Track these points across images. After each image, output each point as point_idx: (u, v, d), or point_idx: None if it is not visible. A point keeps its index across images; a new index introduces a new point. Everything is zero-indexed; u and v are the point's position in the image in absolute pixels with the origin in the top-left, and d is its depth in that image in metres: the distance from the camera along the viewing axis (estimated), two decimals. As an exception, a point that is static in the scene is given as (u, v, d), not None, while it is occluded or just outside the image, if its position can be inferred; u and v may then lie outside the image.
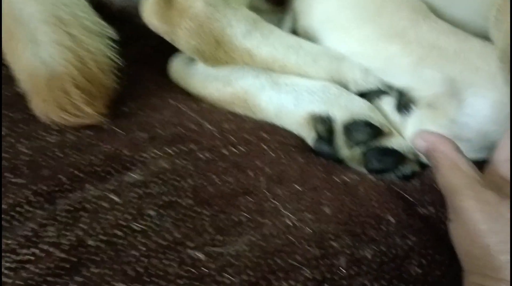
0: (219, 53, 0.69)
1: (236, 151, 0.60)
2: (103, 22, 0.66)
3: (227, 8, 0.69)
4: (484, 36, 0.63)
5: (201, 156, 0.58)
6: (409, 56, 0.63)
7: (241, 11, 0.70)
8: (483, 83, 0.58)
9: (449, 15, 0.68)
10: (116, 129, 0.60)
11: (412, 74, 0.62)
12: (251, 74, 0.70)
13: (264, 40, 0.70)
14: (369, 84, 0.68)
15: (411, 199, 0.55)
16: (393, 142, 0.62)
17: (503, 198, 0.46)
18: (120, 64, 0.65)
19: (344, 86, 0.69)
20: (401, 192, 0.55)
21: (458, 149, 0.50)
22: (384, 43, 0.66)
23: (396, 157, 0.60)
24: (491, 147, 0.58)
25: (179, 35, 0.68)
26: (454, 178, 0.48)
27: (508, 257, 0.44)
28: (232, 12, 0.69)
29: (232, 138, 0.62)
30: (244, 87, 0.69)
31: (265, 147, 0.62)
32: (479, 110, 0.57)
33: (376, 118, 0.63)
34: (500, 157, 0.53)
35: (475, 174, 0.48)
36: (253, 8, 0.87)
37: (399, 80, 0.64)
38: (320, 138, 0.64)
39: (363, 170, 0.62)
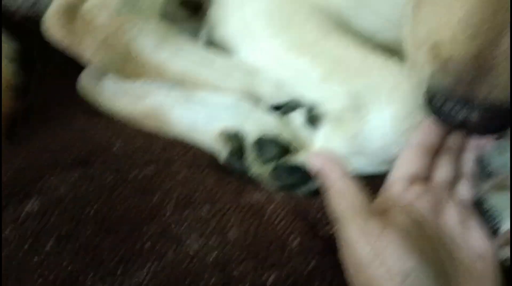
0: (128, 67, 0.67)
1: (144, 172, 0.59)
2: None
3: (136, 19, 0.67)
4: (392, 46, 0.65)
5: (106, 180, 0.56)
6: (316, 69, 0.63)
7: (152, 23, 0.69)
8: (383, 99, 0.59)
9: (359, 26, 0.69)
10: (16, 152, 0.58)
11: (319, 88, 0.63)
12: (162, 89, 0.68)
13: (175, 54, 0.69)
14: (282, 97, 0.68)
15: (314, 220, 0.55)
16: (302, 158, 0.62)
17: (386, 226, 0.47)
18: (21, 79, 0.62)
19: (257, 99, 0.69)
20: (305, 212, 0.56)
21: (347, 173, 0.51)
22: (294, 55, 0.66)
23: (304, 173, 0.61)
24: (392, 161, 0.59)
25: (84, 48, 0.65)
26: (340, 205, 0.49)
27: None
28: (142, 23, 0.67)
29: (141, 158, 0.61)
30: (155, 103, 0.68)
31: (175, 168, 0.61)
32: (379, 125, 0.59)
33: (285, 135, 0.63)
34: (395, 176, 0.54)
35: (361, 201, 0.49)
36: (169, 16, 0.85)
37: (309, 94, 0.65)
38: (232, 154, 0.64)
39: (274, 186, 0.62)
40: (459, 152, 0.55)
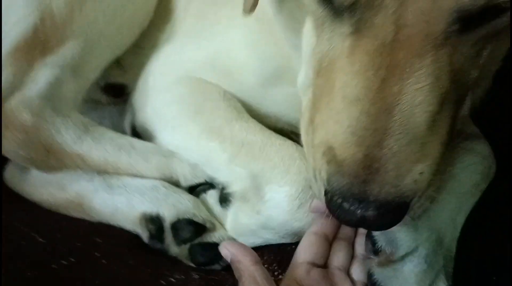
0: (50, 160, 0.72)
1: (66, 263, 0.63)
2: None
3: (55, 116, 0.71)
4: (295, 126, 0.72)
5: (27, 274, 0.60)
6: (224, 152, 0.70)
7: (71, 118, 0.73)
8: (278, 179, 0.66)
9: (264, 111, 0.77)
10: None
11: (227, 169, 0.69)
12: (84, 177, 0.73)
13: (96, 144, 0.74)
14: (197, 178, 0.74)
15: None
16: (216, 236, 0.68)
17: None
18: None
19: (175, 181, 0.74)
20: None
21: (256, 262, 0.58)
22: (204, 140, 0.72)
23: (218, 250, 0.66)
24: (296, 233, 0.66)
25: (6, 147, 0.69)
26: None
27: None
28: (61, 120, 0.72)
29: (64, 248, 0.65)
30: (78, 191, 0.72)
31: (97, 254, 0.65)
32: (277, 203, 0.65)
33: (200, 215, 0.69)
34: (297, 261, 0.61)
35: (267, 284, 0.55)
36: (93, 101, 0.91)
37: (219, 175, 0.71)
38: (152, 237, 0.69)
39: (192, 264, 0.67)
40: (352, 238, 0.63)
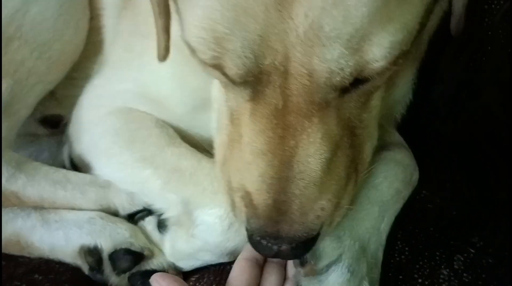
0: (-16, 200, 0.72)
1: (4, 304, 0.63)
2: None
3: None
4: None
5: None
6: (158, 179, 0.72)
7: (4, 156, 0.74)
8: (208, 202, 0.68)
9: (197, 135, 0.79)
10: None
11: (161, 196, 0.71)
12: (20, 215, 0.74)
13: (30, 181, 0.75)
14: (135, 206, 0.76)
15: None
16: (154, 263, 0.70)
17: None
18: None
19: (114, 211, 0.76)
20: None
21: None
22: (138, 168, 0.74)
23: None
24: (231, 252, 0.68)
25: None
26: None
27: None
28: (-7, 159, 0.72)
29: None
30: (15, 230, 0.73)
31: (37, 290, 0.66)
32: (209, 226, 0.67)
33: (137, 243, 0.70)
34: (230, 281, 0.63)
35: None
36: (30, 134, 0.91)
37: (155, 202, 0.73)
38: (91, 269, 0.70)
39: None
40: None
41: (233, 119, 0.58)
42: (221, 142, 0.61)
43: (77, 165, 0.83)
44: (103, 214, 0.74)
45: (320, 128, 0.52)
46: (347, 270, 0.60)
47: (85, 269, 0.70)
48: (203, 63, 0.53)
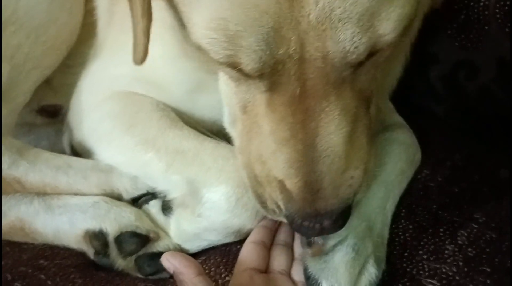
0: (-14, 187, 0.71)
1: (12, 289, 0.63)
2: None
3: (-12, 142, 0.71)
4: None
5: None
6: (160, 162, 0.71)
7: (4, 143, 0.73)
8: (213, 180, 0.68)
9: (198, 116, 0.79)
10: None
11: (164, 178, 0.71)
12: (23, 201, 0.73)
13: (32, 167, 0.74)
14: (139, 190, 0.75)
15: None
16: (160, 245, 0.69)
17: None
18: None
19: (117, 195, 0.75)
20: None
21: (199, 273, 0.59)
22: (140, 152, 0.73)
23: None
24: (238, 231, 0.68)
25: None
26: None
27: None
28: (-6, 145, 0.71)
29: (8, 275, 0.65)
30: (18, 216, 0.72)
31: (43, 276, 0.65)
32: (215, 203, 0.67)
33: (143, 226, 0.70)
34: (239, 268, 0.63)
35: None
36: (28, 124, 0.90)
37: (158, 185, 0.72)
38: (97, 253, 0.70)
39: (140, 275, 0.68)
40: (290, 242, 0.67)
41: (247, 111, 0.58)
42: (238, 135, 0.62)
43: (78, 153, 0.82)
44: (107, 198, 0.73)
45: (337, 105, 0.53)
46: (352, 249, 0.61)
47: (91, 253, 0.70)
48: (217, 62, 0.53)
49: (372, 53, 0.51)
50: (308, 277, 0.60)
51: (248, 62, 0.50)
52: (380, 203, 0.67)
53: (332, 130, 0.54)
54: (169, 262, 0.61)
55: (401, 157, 0.72)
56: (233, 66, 0.52)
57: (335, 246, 0.61)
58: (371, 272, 0.61)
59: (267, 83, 0.53)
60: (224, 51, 0.50)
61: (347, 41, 0.49)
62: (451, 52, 0.86)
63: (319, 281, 0.59)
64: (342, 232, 0.62)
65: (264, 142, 0.56)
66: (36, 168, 0.73)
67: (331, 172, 0.54)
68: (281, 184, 0.56)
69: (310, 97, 0.52)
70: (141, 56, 0.64)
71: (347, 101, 0.54)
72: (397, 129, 0.76)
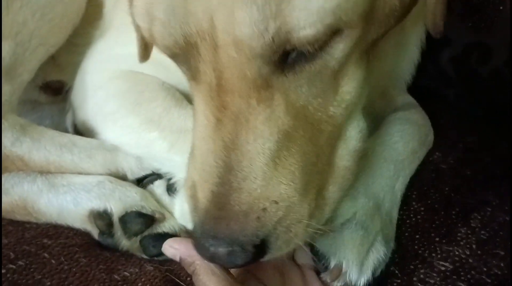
0: (-11, 165, 0.70)
1: (14, 267, 0.62)
2: None
3: (-9, 120, 0.70)
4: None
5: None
6: (164, 141, 0.70)
7: (8, 120, 0.72)
8: None
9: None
10: None
11: (168, 158, 0.70)
12: (26, 179, 0.71)
13: (36, 144, 0.73)
14: (144, 170, 0.74)
15: (185, 282, 0.61)
16: (166, 226, 0.68)
17: None
18: None
19: (122, 175, 0.74)
20: (175, 279, 0.61)
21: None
22: (145, 131, 0.72)
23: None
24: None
25: None
26: (211, 282, 0.54)
27: None
28: (-3, 123, 0.70)
29: (11, 253, 0.63)
30: (21, 194, 0.71)
31: (46, 255, 0.64)
32: None
33: (148, 207, 0.69)
34: None
35: (228, 277, 0.54)
36: (31, 102, 0.89)
37: (163, 165, 0.71)
38: (101, 233, 0.68)
39: (145, 256, 0.67)
40: None
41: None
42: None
43: (81, 133, 0.81)
44: (112, 178, 0.72)
45: (260, 112, 0.47)
46: (360, 226, 0.60)
47: (95, 233, 0.68)
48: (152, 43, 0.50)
49: (302, 56, 0.46)
50: (316, 254, 0.58)
51: (159, 37, 0.48)
52: (389, 182, 0.65)
53: (251, 139, 0.47)
54: (173, 248, 0.58)
55: (413, 137, 0.70)
56: (155, 43, 0.49)
57: (343, 224, 0.60)
58: (380, 249, 0.60)
59: (187, 69, 0.50)
60: (143, 24, 0.48)
61: (252, 25, 0.43)
62: (463, 34, 0.85)
63: (327, 257, 0.58)
64: (350, 210, 0.60)
65: (193, 137, 0.52)
66: (40, 146, 0.72)
67: (242, 191, 0.47)
68: (194, 188, 0.51)
69: (229, 93, 0.47)
70: (143, 53, 0.65)
71: (276, 114, 0.48)
72: (410, 109, 0.75)
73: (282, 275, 0.59)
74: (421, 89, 0.85)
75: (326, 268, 0.58)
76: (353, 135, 0.56)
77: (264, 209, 0.48)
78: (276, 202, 0.49)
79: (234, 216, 0.48)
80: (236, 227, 0.47)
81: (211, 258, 0.50)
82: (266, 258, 0.51)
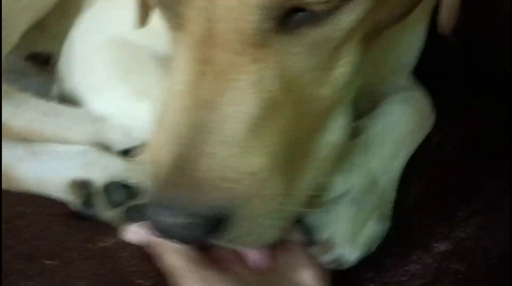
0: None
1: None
2: None
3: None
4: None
5: None
6: (154, 113, 0.66)
7: (-11, 84, 0.69)
8: None
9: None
10: None
11: None
12: (7, 145, 0.68)
13: (18, 110, 0.69)
14: (131, 142, 0.71)
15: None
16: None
17: (221, 272, 0.50)
18: None
19: (108, 146, 0.71)
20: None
21: None
22: (134, 101, 0.69)
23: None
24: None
25: None
26: (178, 260, 0.51)
27: None
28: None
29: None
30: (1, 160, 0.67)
31: (21, 223, 0.61)
32: None
33: (133, 177, 0.65)
34: None
35: (195, 255, 0.52)
36: (16, 72, 0.86)
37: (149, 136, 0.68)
38: (83, 202, 0.65)
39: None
40: None
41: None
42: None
43: (68, 104, 0.77)
44: (96, 149, 0.68)
45: (251, 72, 0.43)
46: (355, 202, 0.57)
47: (76, 203, 0.65)
48: None
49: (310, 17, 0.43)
50: (306, 228, 0.55)
51: None
52: (386, 160, 0.62)
53: (235, 102, 0.43)
54: (136, 233, 0.55)
55: (413, 118, 0.68)
56: None
57: (337, 199, 0.57)
58: (374, 227, 0.57)
59: (174, 18, 0.46)
60: None
61: None
62: (468, 12, 0.82)
63: (318, 230, 0.55)
64: (344, 186, 0.57)
65: (165, 94, 0.47)
66: (22, 112, 0.69)
67: (215, 156, 0.42)
68: (156, 152, 0.46)
69: (220, 47, 0.43)
70: (139, 18, 0.62)
71: (268, 78, 0.44)
72: (411, 90, 0.72)
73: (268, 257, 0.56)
74: (423, 68, 0.83)
75: (315, 242, 0.54)
76: (337, 128, 0.52)
77: (234, 180, 0.43)
78: (253, 174, 0.44)
79: (202, 183, 0.42)
80: (202, 196, 0.42)
81: (169, 231, 0.43)
82: (229, 237, 0.45)
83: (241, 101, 0.43)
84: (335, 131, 0.52)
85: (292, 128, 0.47)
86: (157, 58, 0.72)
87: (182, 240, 0.46)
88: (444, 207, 0.64)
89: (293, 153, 0.48)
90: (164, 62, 0.73)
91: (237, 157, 0.43)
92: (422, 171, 0.67)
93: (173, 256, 0.52)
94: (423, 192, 0.65)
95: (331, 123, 0.51)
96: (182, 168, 0.43)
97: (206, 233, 0.43)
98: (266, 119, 0.44)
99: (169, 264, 0.52)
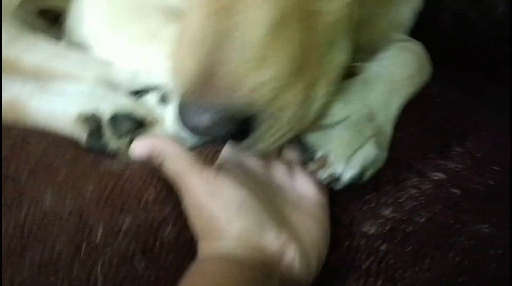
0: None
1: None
2: None
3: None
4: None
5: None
6: (162, 52, 0.69)
7: (5, 22, 0.71)
8: None
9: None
10: None
11: (165, 69, 0.68)
12: (18, 81, 0.70)
13: (30, 48, 0.72)
14: (138, 84, 0.73)
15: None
16: (157, 130, 0.66)
17: (219, 172, 0.53)
18: None
19: (114, 88, 0.73)
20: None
21: (177, 143, 0.57)
22: (143, 42, 0.72)
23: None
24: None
25: None
26: (179, 164, 0.54)
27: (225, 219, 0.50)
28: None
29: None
30: (11, 96, 0.69)
31: (32, 141, 0.63)
32: None
33: (139, 111, 0.67)
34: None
35: (194, 157, 0.54)
36: (27, 25, 0.88)
37: (158, 77, 0.70)
38: (90, 135, 0.66)
39: (132, 158, 0.65)
40: None
41: None
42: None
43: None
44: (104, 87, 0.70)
45: None
46: (353, 125, 0.59)
47: (84, 136, 0.67)
48: None
49: None
50: (304, 146, 0.57)
51: None
52: (384, 97, 0.65)
53: (254, 5, 0.46)
54: (140, 147, 0.58)
55: (411, 63, 0.70)
56: None
57: (335, 124, 0.59)
58: (369, 150, 0.58)
59: None
60: None
61: None
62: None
63: (314, 148, 0.56)
64: (343, 112, 0.59)
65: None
66: (34, 50, 0.71)
67: (237, 60, 0.45)
68: (181, 61, 0.49)
69: None
70: None
71: None
72: (409, 41, 0.75)
73: (266, 169, 0.58)
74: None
75: (312, 158, 0.56)
76: (342, 48, 0.56)
77: (259, 84, 0.46)
78: (272, 80, 0.47)
79: (226, 86, 0.46)
80: (226, 98, 0.45)
81: (195, 128, 0.48)
82: (251, 140, 0.49)
83: (259, 5, 0.46)
84: (341, 50, 0.56)
85: (305, 39, 0.50)
86: (164, 6, 0.75)
87: (210, 136, 0.49)
88: (440, 145, 0.65)
89: (308, 63, 0.51)
90: (172, 10, 0.75)
91: (258, 61, 0.46)
92: (418, 115, 0.69)
93: (177, 161, 0.54)
94: (419, 133, 0.67)
95: (338, 42, 0.55)
96: (207, 72, 0.46)
97: (232, 131, 0.47)
98: (282, 26, 0.47)
99: (174, 169, 0.54)
